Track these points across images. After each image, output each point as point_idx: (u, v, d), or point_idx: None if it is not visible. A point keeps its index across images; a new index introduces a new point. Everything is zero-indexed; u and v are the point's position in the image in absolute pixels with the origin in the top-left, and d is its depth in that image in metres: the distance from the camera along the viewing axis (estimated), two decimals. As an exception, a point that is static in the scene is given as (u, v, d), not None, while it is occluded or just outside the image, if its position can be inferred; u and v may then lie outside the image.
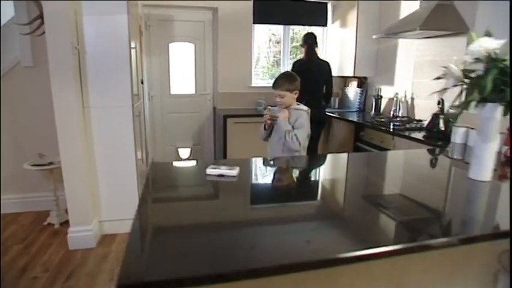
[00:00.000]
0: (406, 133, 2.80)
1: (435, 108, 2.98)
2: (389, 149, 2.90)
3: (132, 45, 2.64)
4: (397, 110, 3.65)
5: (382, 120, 3.30)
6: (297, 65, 3.66)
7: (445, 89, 1.59)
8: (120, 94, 2.57)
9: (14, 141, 3.13)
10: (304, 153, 2.21)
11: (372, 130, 3.20)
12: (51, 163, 2.89)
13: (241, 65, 4.30)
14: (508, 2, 2.44)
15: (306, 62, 3.65)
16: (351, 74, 4.14)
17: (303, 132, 2.16)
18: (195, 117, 4.49)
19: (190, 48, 4.31)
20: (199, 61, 4.37)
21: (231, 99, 4.31)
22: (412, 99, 3.54)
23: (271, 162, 1.95)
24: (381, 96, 3.96)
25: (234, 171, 1.47)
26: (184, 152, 4.53)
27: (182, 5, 4.02)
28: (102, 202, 2.72)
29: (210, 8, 4.18)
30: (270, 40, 4.80)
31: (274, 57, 4.85)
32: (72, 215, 2.57)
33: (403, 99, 3.60)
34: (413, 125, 3.03)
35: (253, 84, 4.39)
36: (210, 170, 1.48)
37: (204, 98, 4.48)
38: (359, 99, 4.32)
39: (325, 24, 4.59)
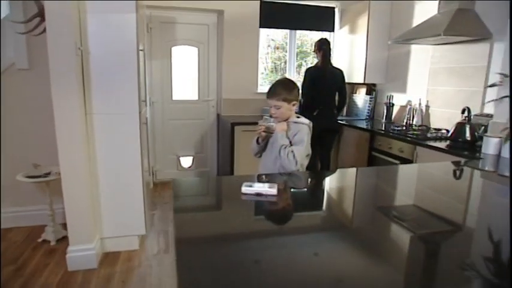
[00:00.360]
0: (429, 143, 2.66)
1: (454, 117, 2.88)
2: (410, 160, 2.76)
3: (140, 47, 2.44)
4: (411, 118, 3.52)
5: (399, 128, 3.16)
6: (310, 72, 3.50)
7: (503, 97, 1.44)
8: (126, 100, 2.36)
9: (6, 150, 2.87)
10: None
11: (389, 139, 3.05)
12: (47, 174, 2.65)
13: (246, 70, 4.13)
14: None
15: (320, 69, 3.49)
16: (361, 81, 4.01)
17: (302, 150, 1.79)
18: (198, 125, 4.29)
19: (194, 52, 4.12)
20: (202, 66, 4.18)
21: (236, 105, 4.13)
22: (427, 107, 3.42)
23: (304, 178, 1.77)
24: (393, 104, 3.83)
25: (274, 190, 1.28)
26: (186, 161, 4.31)
27: (186, 6, 3.84)
28: (105, 217, 2.48)
29: (215, 10, 4.01)
30: (269, 46, 4.65)
31: (273, 63, 4.69)
32: (72, 233, 2.33)
33: (417, 107, 3.48)
34: (433, 134, 2.89)
35: (259, 91, 4.22)
36: (245, 189, 1.29)
37: (208, 105, 4.28)
38: (368, 106, 4.18)
39: (332, 30, 4.47)
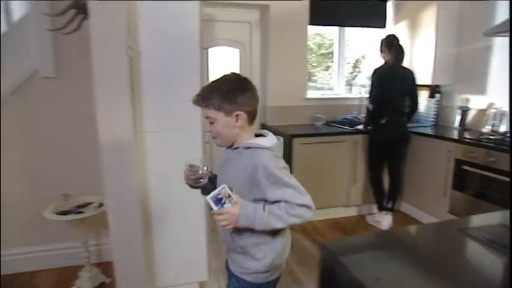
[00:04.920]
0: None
1: None
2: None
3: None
4: (498, 124, 2.98)
5: (498, 137, 2.62)
6: (379, 73, 2.96)
7: None
8: (185, 111, 1.85)
9: (30, 175, 2.35)
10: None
11: (489, 151, 2.51)
12: (80, 207, 2.14)
13: (294, 74, 3.61)
14: None
15: (390, 70, 2.96)
16: (427, 82, 3.48)
17: (291, 192, 1.05)
18: (240, 137, 3.76)
19: (235, 55, 3.61)
20: (244, 70, 3.67)
21: (283, 114, 3.61)
22: (520, 110, 2.88)
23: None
24: (468, 108, 3.30)
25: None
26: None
27: (225, 1, 3.33)
28: (159, 261, 1.96)
29: (258, 6, 3.50)
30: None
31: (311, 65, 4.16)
32: (123, 284, 1.80)
33: (503, 111, 2.94)
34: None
35: (308, 96, 3.70)
36: None
37: (250, 113, 3.76)
38: (434, 111, 3.65)
39: (383, 26, 3.95)
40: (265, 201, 1.07)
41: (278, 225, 1.04)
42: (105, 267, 2.33)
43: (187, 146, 1.88)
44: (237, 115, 1.09)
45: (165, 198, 1.90)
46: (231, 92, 1.09)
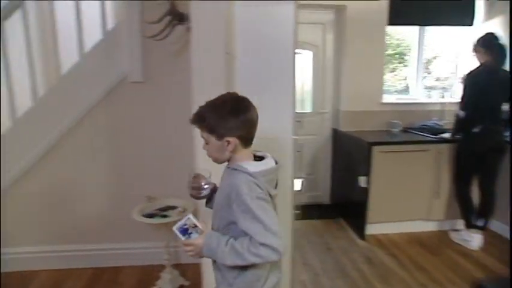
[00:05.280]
0: None
1: None
2: None
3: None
4: None
5: None
6: (473, 77, 2.67)
7: None
8: (277, 119, 1.79)
9: (117, 176, 2.46)
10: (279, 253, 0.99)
11: None
12: (162, 210, 2.20)
13: (370, 77, 3.42)
14: None
15: (487, 74, 2.66)
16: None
17: (259, 227, 0.98)
18: (310, 141, 3.64)
19: (308, 57, 3.51)
20: (317, 72, 3.56)
21: (357, 119, 3.43)
22: None
23: None
24: None
25: None
26: (295, 184, 3.69)
27: (300, 2, 3.23)
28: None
29: (333, 6, 3.37)
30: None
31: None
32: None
33: None
34: None
35: (384, 101, 3.49)
36: None
37: (322, 118, 3.63)
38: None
39: (470, 23, 3.60)
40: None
41: (237, 261, 1.01)
42: (183, 269, 2.37)
43: (279, 154, 1.81)
44: (227, 140, 1.06)
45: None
46: (223, 116, 1.06)
